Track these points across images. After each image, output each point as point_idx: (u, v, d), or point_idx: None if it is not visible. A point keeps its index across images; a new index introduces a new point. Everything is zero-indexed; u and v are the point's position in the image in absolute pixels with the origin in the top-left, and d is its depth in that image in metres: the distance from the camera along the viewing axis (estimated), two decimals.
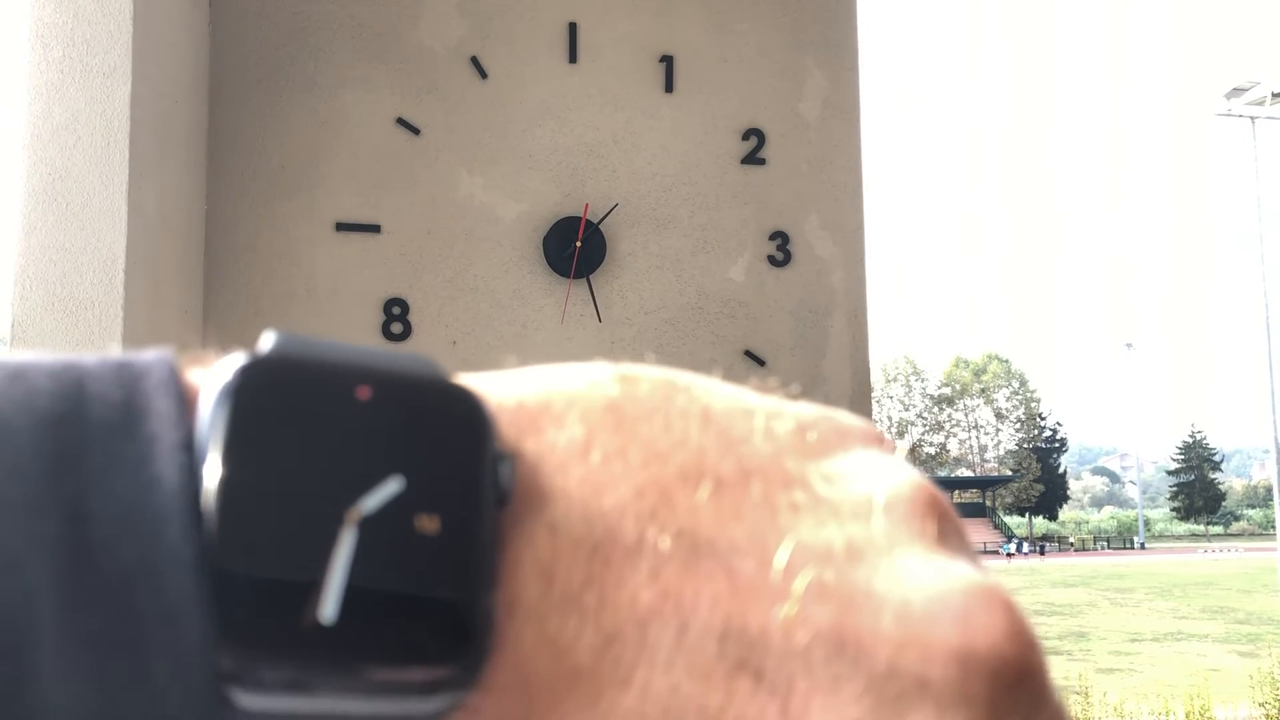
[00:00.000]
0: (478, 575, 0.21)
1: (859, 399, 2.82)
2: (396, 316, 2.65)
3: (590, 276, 2.73)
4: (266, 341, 0.22)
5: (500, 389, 0.24)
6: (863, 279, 2.88)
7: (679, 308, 2.78)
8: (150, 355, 0.22)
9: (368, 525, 0.20)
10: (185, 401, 0.21)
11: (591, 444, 0.23)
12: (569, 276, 2.71)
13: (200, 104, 2.54)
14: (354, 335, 2.62)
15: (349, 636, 0.20)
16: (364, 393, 0.22)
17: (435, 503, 0.21)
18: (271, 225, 2.62)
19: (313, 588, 0.20)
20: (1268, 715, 13.07)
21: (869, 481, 0.24)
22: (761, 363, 2.78)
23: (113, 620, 0.19)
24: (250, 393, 0.21)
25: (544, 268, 2.72)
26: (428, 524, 0.21)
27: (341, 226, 2.65)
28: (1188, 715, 12.91)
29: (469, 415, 0.22)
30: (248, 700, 0.20)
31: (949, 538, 0.24)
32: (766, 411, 0.25)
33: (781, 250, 2.84)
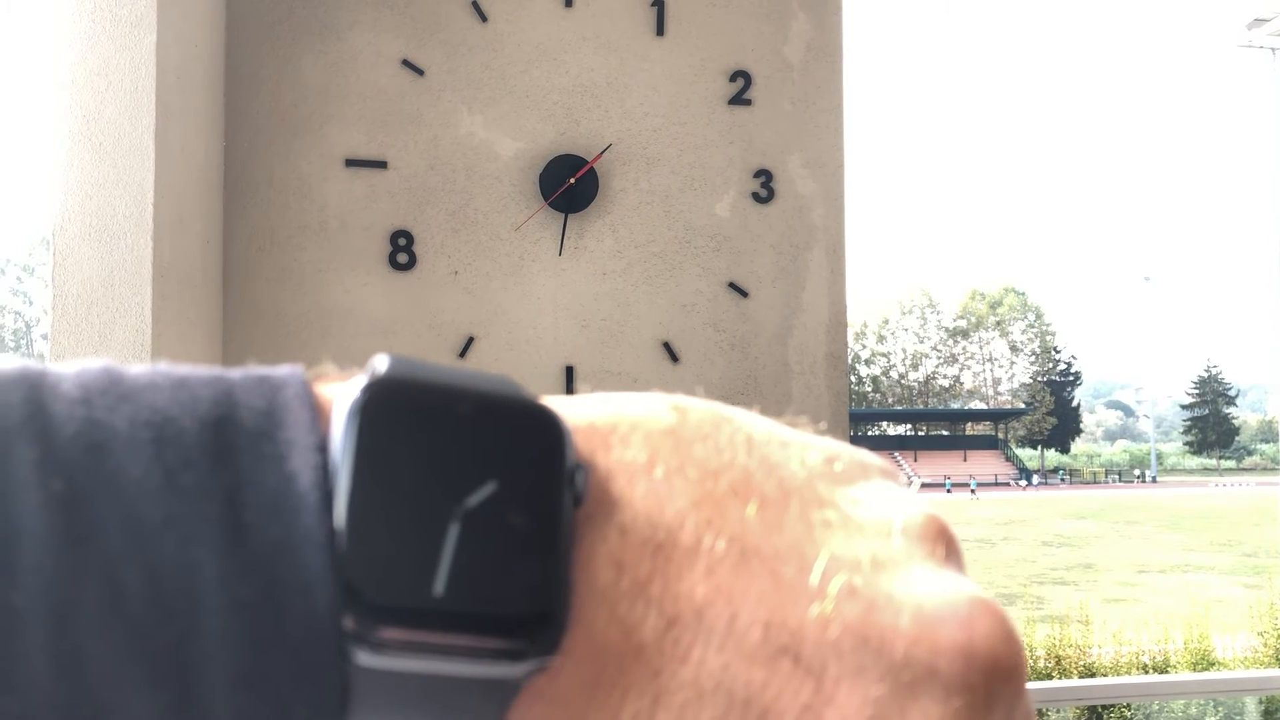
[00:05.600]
0: (557, 561, 0.24)
1: (835, 328, 2.97)
2: (402, 248, 2.80)
3: (578, 213, 2.86)
4: (381, 363, 0.25)
5: (573, 410, 0.28)
6: (841, 215, 2.99)
7: (667, 242, 2.90)
8: (285, 370, 0.26)
9: (469, 518, 0.24)
10: (317, 411, 0.25)
11: (654, 462, 0.27)
12: (561, 211, 2.85)
13: (218, 49, 2.68)
14: (362, 264, 2.79)
15: (454, 607, 0.23)
16: (466, 409, 0.25)
17: (524, 502, 0.25)
18: (285, 161, 2.76)
19: (425, 567, 0.23)
20: (1266, 644, 13.22)
21: (888, 507, 0.28)
22: (744, 294, 2.91)
23: (260, 588, 0.22)
24: (375, 408, 0.24)
25: (540, 203, 2.85)
26: (517, 519, 0.24)
27: (350, 162, 2.79)
28: (1186, 644, 13.05)
29: (551, 431, 0.26)
30: (368, 659, 0.23)
31: (953, 559, 0.28)
32: (799, 443, 0.29)
33: (765, 187, 2.95)
